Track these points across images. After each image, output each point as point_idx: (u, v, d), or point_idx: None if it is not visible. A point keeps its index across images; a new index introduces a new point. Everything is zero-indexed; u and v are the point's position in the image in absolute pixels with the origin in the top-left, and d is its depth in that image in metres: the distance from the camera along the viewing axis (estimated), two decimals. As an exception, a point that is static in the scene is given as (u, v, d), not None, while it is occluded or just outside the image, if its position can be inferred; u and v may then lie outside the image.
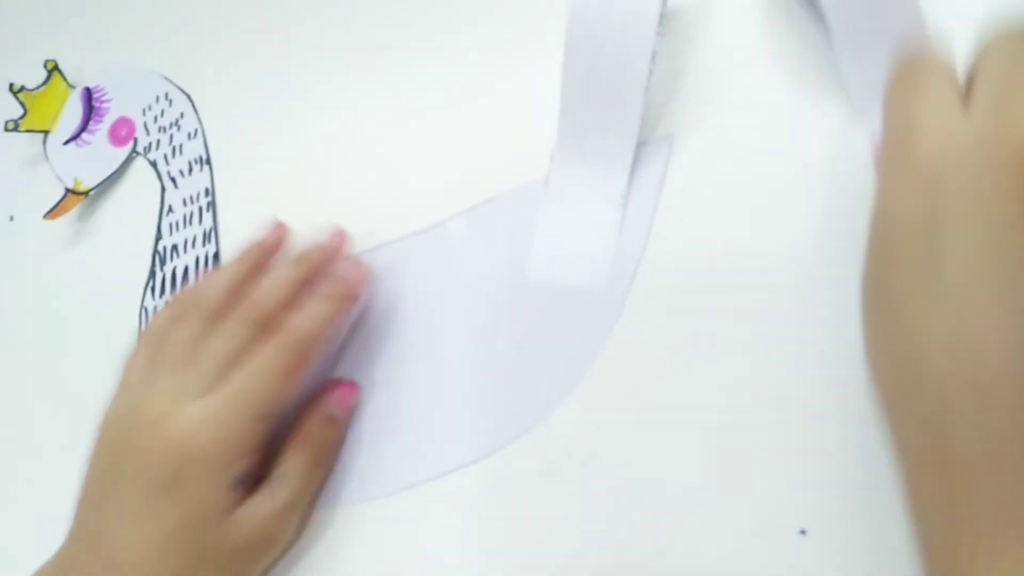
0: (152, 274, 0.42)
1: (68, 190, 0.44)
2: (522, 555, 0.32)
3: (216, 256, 0.41)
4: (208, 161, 0.43)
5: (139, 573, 0.30)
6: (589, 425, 0.33)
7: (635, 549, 0.30)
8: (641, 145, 0.35)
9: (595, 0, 0.32)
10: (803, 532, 0.28)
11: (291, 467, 0.33)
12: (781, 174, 0.33)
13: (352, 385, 0.35)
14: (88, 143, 0.46)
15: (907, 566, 0.26)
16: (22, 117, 0.46)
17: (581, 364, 0.33)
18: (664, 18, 0.36)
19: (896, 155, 0.23)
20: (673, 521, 0.30)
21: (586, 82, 0.34)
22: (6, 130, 0.46)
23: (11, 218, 0.47)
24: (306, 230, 0.38)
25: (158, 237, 0.43)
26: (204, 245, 0.41)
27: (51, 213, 0.44)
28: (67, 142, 0.46)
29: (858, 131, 0.32)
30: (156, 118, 0.45)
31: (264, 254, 0.36)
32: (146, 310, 0.42)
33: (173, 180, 0.43)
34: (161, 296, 0.41)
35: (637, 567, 0.30)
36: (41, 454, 0.42)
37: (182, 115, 0.44)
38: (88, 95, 0.46)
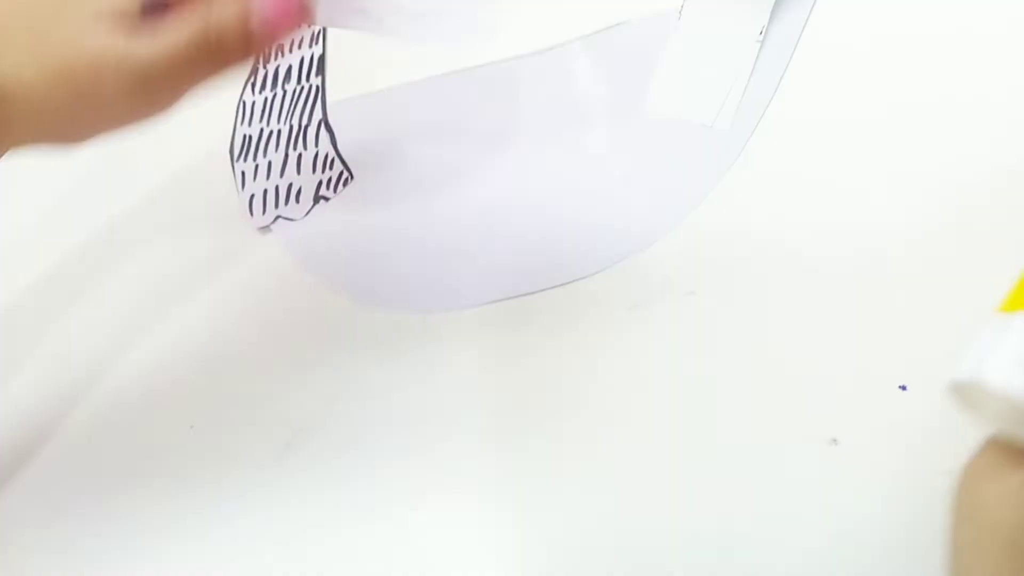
0: (254, 71, 0.41)
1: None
2: (599, 381, 0.31)
3: (322, 59, 0.40)
4: (324, -37, 0.42)
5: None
6: (689, 263, 0.32)
7: (724, 387, 0.29)
8: (788, -14, 0.33)
9: None
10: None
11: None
12: (941, 43, 0.31)
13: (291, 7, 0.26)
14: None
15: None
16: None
17: (690, 201, 0.32)
18: None
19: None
20: (773, 361, 0.29)
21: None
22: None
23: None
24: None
25: (264, 34, 0.42)
26: (311, 46, 0.40)
27: (160, -3, 0.43)
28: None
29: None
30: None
31: None
32: (244, 103, 0.41)
33: (286, -21, 0.42)
34: (260, 92, 0.41)
35: (724, 403, 0.29)
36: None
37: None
38: None
